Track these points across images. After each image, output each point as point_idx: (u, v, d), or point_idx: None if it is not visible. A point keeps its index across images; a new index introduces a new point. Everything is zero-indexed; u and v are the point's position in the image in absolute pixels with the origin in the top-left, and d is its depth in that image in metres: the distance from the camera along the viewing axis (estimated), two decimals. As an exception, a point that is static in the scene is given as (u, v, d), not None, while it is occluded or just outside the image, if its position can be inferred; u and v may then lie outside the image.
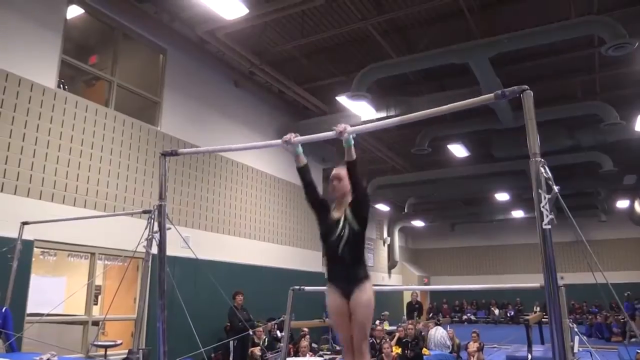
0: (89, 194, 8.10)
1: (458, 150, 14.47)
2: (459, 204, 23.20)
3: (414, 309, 15.76)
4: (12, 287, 6.09)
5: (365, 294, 3.33)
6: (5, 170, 6.92)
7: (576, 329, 3.00)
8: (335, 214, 3.50)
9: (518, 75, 11.19)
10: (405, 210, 21.58)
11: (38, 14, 7.58)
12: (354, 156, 3.34)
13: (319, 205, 3.63)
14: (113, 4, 8.61)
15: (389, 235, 24.16)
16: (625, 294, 19.15)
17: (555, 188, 2.19)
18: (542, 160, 2.25)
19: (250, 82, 11.74)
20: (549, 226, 2.17)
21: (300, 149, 3.61)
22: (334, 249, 3.40)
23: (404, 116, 3.33)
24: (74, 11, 8.39)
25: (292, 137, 3.53)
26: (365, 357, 3.35)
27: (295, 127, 11.41)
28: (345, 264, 3.39)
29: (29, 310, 7.00)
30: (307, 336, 10.28)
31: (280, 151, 12.69)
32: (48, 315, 6.61)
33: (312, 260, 14.01)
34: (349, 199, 3.49)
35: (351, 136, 3.31)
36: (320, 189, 3.74)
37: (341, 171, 3.50)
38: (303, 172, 3.65)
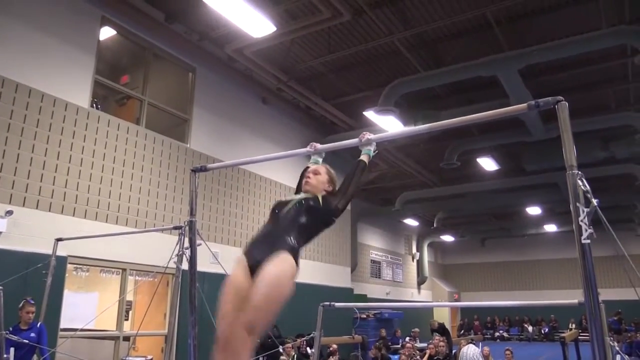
0: (121, 210, 8.23)
1: (487, 164, 14.27)
2: (489, 218, 22.84)
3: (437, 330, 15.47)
4: (46, 302, 6.19)
5: (278, 266, 2.50)
6: (40, 187, 7.10)
7: (617, 347, 2.89)
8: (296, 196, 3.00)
9: (548, 86, 11.02)
10: (435, 225, 21.35)
11: (72, 37, 7.81)
12: (366, 162, 3.12)
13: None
14: (144, 25, 8.81)
15: (417, 250, 23.91)
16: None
17: (595, 201, 2.12)
18: (580, 172, 2.18)
19: (277, 99, 11.84)
20: (588, 241, 2.10)
21: (319, 161, 3.49)
22: (274, 214, 2.84)
23: (431, 124, 3.25)
24: (106, 32, 8.63)
25: (315, 145, 3.46)
26: (241, 356, 2.33)
27: (322, 142, 11.37)
28: (277, 229, 2.75)
29: (62, 325, 7.11)
30: (336, 353, 10.17)
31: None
32: (81, 330, 6.69)
33: (340, 276, 13.93)
34: (319, 195, 2.97)
35: (372, 150, 3.18)
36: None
37: (320, 167, 3.16)
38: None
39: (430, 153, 14.93)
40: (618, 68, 10.84)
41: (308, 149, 3.48)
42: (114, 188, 8.18)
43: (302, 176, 3.17)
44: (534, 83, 10.32)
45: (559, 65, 10.45)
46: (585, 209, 2.13)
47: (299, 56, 10.37)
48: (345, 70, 11.05)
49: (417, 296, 23.52)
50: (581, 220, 2.11)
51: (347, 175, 3.07)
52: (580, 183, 2.16)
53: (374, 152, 3.22)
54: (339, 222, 14.02)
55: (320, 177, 3.08)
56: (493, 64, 9.30)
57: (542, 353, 15.04)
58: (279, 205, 2.88)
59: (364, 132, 3.28)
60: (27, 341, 5.56)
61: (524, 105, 2.53)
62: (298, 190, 3.16)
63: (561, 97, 2.35)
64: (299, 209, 2.80)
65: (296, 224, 2.76)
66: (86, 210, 7.68)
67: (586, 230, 2.09)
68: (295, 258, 2.67)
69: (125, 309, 8.51)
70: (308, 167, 3.22)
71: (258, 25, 8.03)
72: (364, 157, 3.16)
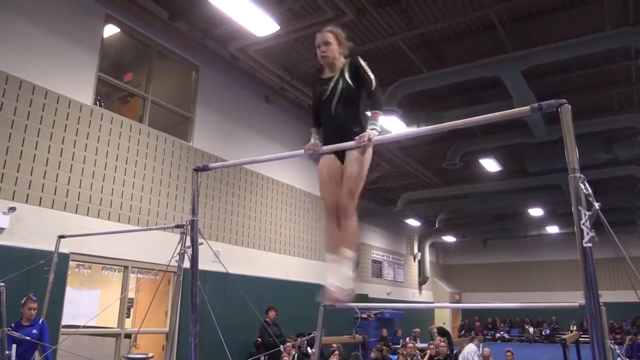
0: (123, 208, 8.25)
1: (490, 165, 14.26)
2: (491, 219, 22.82)
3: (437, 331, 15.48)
4: (48, 299, 6.21)
5: (360, 156, 3.11)
6: (43, 184, 7.12)
7: (618, 350, 2.89)
8: (327, 74, 3.27)
9: (552, 87, 11.01)
10: (436, 226, 21.34)
11: (76, 34, 7.83)
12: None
13: (316, 101, 3.45)
14: (148, 22, 8.83)
15: (419, 250, 23.89)
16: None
17: (597, 205, 2.12)
18: (582, 176, 2.18)
19: (280, 98, 11.84)
20: (590, 244, 2.10)
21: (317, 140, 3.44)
22: (327, 110, 3.21)
23: (434, 126, 3.27)
24: (110, 30, 8.64)
25: (315, 148, 3.33)
26: (353, 218, 3.14)
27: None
28: (340, 123, 3.17)
29: (63, 322, 7.14)
30: (337, 352, 10.18)
31: (311, 166, 12.73)
32: (83, 327, 6.71)
33: (341, 275, 13.92)
34: (341, 62, 3.23)
35: (376, 131, 3.11)
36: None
37: (326, 35, 3.26)
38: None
39: (433, 154, 14.92)
40: (622, 70, 10.82)
41: (306, 153, 3.37)
42: (116, 186, 8.19)
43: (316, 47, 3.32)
44: (538, 84, 10.31)
45: (563, 66, 10.43)
46: (587, 213, 2.13)
47: (302, 55, 10.37)
48: (348, 69, 11.03)
49: (418, 296, 23.51)
50: (583, 224, 2.11)
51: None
52: (582, 186, 2.16)
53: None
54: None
55: (332, 46, 3.23)
56: (496, 65, 9.29)
57: (543, 355, 15.03)
58: (320, 96, 3.24)
59: (364, 134, 3.11)
60: (28, 338, 5.57)
61: (527, 107, 2.53)
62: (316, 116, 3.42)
63: (564, 100, 2.35)
64: (346, 101, 3.14)
65: (351, 112, 3.16)
66: (89, 208, 7.70)
67: (587, 234, 2.10)
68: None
69: (126, 307, 8.54)
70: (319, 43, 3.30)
71: (261, 24, 8.04)
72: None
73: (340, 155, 3.18)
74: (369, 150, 3.14)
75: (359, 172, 3.11)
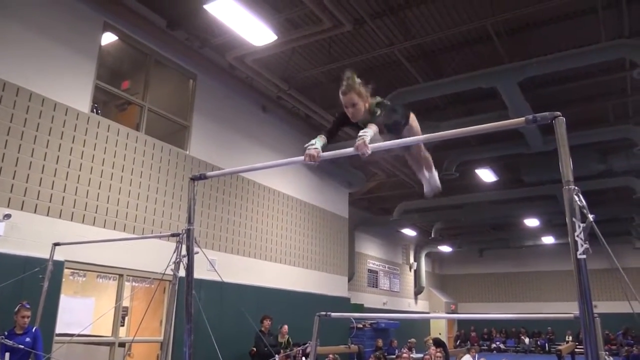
0: (119, 216, 8.23)
1: (486, 175, 14.30)
2: (487, 229, 22.85)
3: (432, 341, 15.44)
4: (42, 307, 6.17)
5: (412, 129, 3.66)
6: (39, 191, 7.10)
7: (613, 362, 2.89)
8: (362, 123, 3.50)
9: (547, 98, 11.07)
10: (432, 235, 21.34)
11: (74, 42, 7.85)
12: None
13: (344, 124, 3.74)
14: (146, 31, 8.85)
15: (415, 260, 23.89)
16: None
17: (591, 217, 2.13)
18: (576, 188, 2.20)
19: (277, 107, 11.87)
20: (584, 256, 2.11)
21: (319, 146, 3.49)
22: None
23: (429, 135, 3.27)
24: (108, 38, 8.66)
25: (313, 154, 3.41)
26: (427, 155, 4.13)
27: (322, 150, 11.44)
28: (389, 131, 3.59)
29: (57, 330, 7.08)
30: (333, 362, 10.14)
31: (307, 175, 12.75)
32: (77, 335, 6.67)
33: (337, 285, 13.91)
34: (368, 108, 3.49)
35: (367, 135, 3.20)
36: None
37: (351, 96, 3.46)
38: (331, 142, 3.67)
39: (429, 163, 14.92)
40: (617, 81, 10.90)
41: (306, 160, 3.43)
42: (112, 193, 8.18)
43: (338, 121, 3.77)
44: (533, 95, 10.37)
45: (558, 77, 10.51)
46: (581, 225, 2.14)
47: (300, 65, 10.42)
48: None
49: (414, 306, 23.47)
50: (577, 236, 2.13)
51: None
52: (577, 198, 2.18)
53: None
54: (337, 231, 14.04)
55: (359, 105, 3.43)
56: (493, 76, 9.35)
57: (539, 365, 15.00)
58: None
59: (361, 141, 3.15)
60: (22, 346, 5.54)
61: (522, 119, 2.55)
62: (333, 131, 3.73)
63: (559, 113, 2.37)
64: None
65: (390, 126, 3.55)
66: (84, 215, 7.68)
67: (582, 246, 2.11)
68: (410, 116, 3.70)
69: (121, 315, 8.49)
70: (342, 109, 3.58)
71: (259, 34, 8.08)
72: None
73: (394, 134, 3.60)
74: (414, 123, 3.70)
75: (417, 134, 3.69)
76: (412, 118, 3.68)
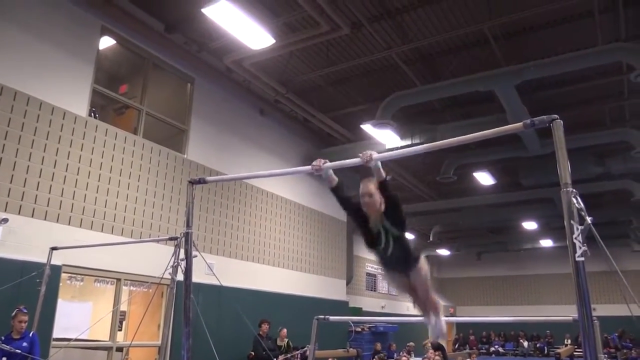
0: (117, 220, 8.21)
1: (484, 178, 14.31)
2: (485, 232, 22.84)
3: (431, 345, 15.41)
4: (39, 311, 6.15)
5: (420, 272, 3.61)
6: (36, 196, 7.08)
7: (611, 365, 2.88)
8: (374, 227, 3.55)
9: (545, 102, 11.09)
10: (430, 239, 21.32)
11: (72, 46, 7.84)
12: (384, 175, 3.38)
13: (358, 217, 3.66)
14: (144, 34, 8.85)
15: (413, 263, 23.82)
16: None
17: (589, 219, 2.13)
18: (574, 190, 2.20)
19: (275, 111, 11.87)
20: (582, 258, 2.11)
21: (330, 170, 3.62)
22: (383, 257, 3.59)
23: (431, 144, 3.28)
24: (106, 42, 8.66)
25: (321, 163, 3.56)
26: (435, 299, 3.84)
27: (320, 155, 11.46)
28: (398, 263, 3.59)
29: (55, 335, 7.05)
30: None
31: (305, 179, 12.74)
32: (74, 340, 6.64)
33: (335, 288, 13.89)
34: (382, 209, 3.48)
35: (379, 163, 3.34)
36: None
37: (369, 186, 3.47)
38: (337, 191, 3.70)
39: (427, 167, 14.97)
40: (614, 85, 10.93)
41: (312, 169, 3.56)
42: (110, 197, 8.16)
43: (345, 200, 3.72)
44: (531, 98, 10.39)
45: (556, 81, 10.53)
46: (579, 227, 2.14)
47: (298, 69, 10.42)
48: (343, 83, 11.11)
49: (412, 310, 23.21)
50: (575, 238, 2.12)
51: (386, 196, 3.43)
52: (575, 201, 2.18)
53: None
54: (335, 235, 14.03)
55: (375, 197, 3.42)
56: (490, 79, 9.36)
57: (538, 369, 14.97)
58: (373, 243, 3.55)
59: (366, 151, 3.35)
60: (19, 351, 5.51)
61: (520, 124, 2.55)
62: (347, 205, 3.72)
63: (556, 116, 2.37)
64: (398, 248, 3.50)
65: (405, 254, 3.55)
66: (82, 220, 7.66)
67: (580, 248, 2.10)
68: (421, 260, 3.63)
69: (119, 320, 8.46)
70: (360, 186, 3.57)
71: (257, 38, 8.08)
72: (377, 173, 3.38)
73: (403, 273, 3.66)
74: (423, 266, 3.66)
75: (425, 280, 3.71)
76: (422, 261, 3.68)
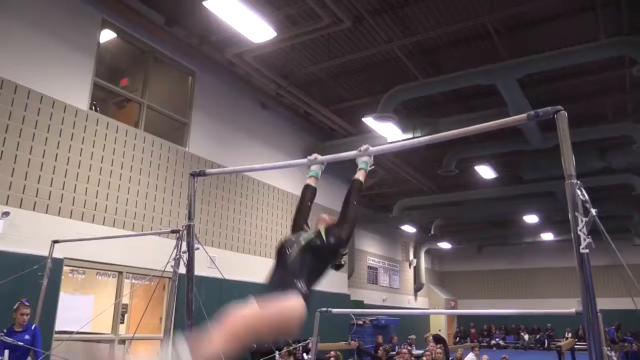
0: (118, 213, 8.22)
1: (485, 172, 14.28)
2: (486, 226, 22.83)
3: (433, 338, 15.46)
4: (41, 304, 6.16)
5: (282, 303, 2.40)
6: (37, 189, 7.08)
7: (614, 358, 2.89)
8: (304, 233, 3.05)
9: (546, 95, 11.04)
10: (432, 232, 21.34)
11: (72, 39, 7.82)
12: (362, 180, 3.12)
13: (299, 218, 3.37)
14: (145, 28, 8.82)
15: (414, 257, 23.88)
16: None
17: (593, 211, 2.12)
18: (579, 182, 2.19)
19: (276, 104, 11.85)
20: (587, 250, 2.10)
21: (318, 173, 3.52)
22: (282, 255, 2.89)
23: (433, 136, 3.27)
24: (106, 35, 8.64)
25: (317, 156, 3.53)
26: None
27: (321, 148, 11.45)
28: (286, 273, 2.75)
29: (57, 327, 7.08)
30: (333, 359, 10.13)
31: (307, 172, 12.72)
32: (76, 333, 6.66)
33: (337, 281, 13.90)
34: (331, 225, 3.03)
35: (368, 163, 3.19)
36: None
37: (327, 218, 3.11)
38: (309, 190, 3.51)
39: (429, 160, 14.94)
40: (616, 79, 10.89)
41: (309, 158, 3.51)
42: (111, 191, 8.16)
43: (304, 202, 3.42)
44: (532, 92, 10.34)
45: (557, 75, 10.48)
46: (584, 219, 2.14)
47: (299, 62, 10.39)
48: (344, 76, 11.08)
49: (413, 303, 23.47)
50: (580, 230, 2.12)
51: (345, 200, 3.03)
52: (579, 193, 2.17)
53: (370, 166, 3.20)
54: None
55: (327, 221, 3.06)
56: (492, 73, 9.33)
57: (538, 362, 15.02)
58: (286, 246, 2.90)
59: (364, 146, 3.27)
60: (21, 343, 5.53)
61: (524, 115, 2.54)
62: (297, 224, 3.28)
63: (560, 107, 2.36)
64: (306, 253, 2.79)
65: (305, 268, 2.73)
66: (83, 213, 7.67)
67: (584, 240, 2.10)
68: (306, 301, 2.51)
69: (121, 312, 8.48)
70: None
71: (258, 31, 8.04)
72: (359, 174, 3.14)
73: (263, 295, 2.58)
74: (292, 304, 2.45)
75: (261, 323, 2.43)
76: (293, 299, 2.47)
